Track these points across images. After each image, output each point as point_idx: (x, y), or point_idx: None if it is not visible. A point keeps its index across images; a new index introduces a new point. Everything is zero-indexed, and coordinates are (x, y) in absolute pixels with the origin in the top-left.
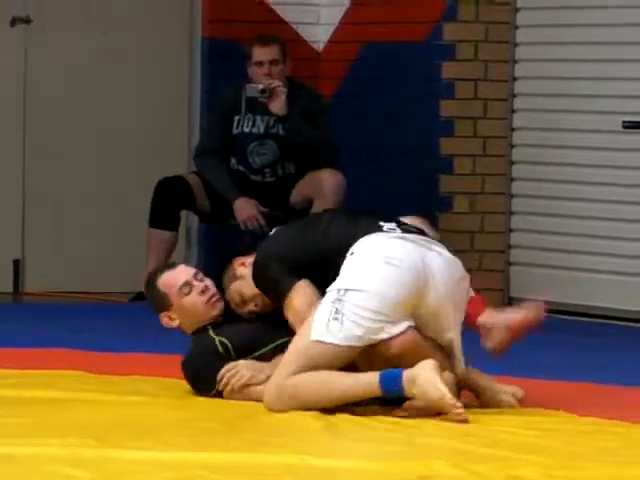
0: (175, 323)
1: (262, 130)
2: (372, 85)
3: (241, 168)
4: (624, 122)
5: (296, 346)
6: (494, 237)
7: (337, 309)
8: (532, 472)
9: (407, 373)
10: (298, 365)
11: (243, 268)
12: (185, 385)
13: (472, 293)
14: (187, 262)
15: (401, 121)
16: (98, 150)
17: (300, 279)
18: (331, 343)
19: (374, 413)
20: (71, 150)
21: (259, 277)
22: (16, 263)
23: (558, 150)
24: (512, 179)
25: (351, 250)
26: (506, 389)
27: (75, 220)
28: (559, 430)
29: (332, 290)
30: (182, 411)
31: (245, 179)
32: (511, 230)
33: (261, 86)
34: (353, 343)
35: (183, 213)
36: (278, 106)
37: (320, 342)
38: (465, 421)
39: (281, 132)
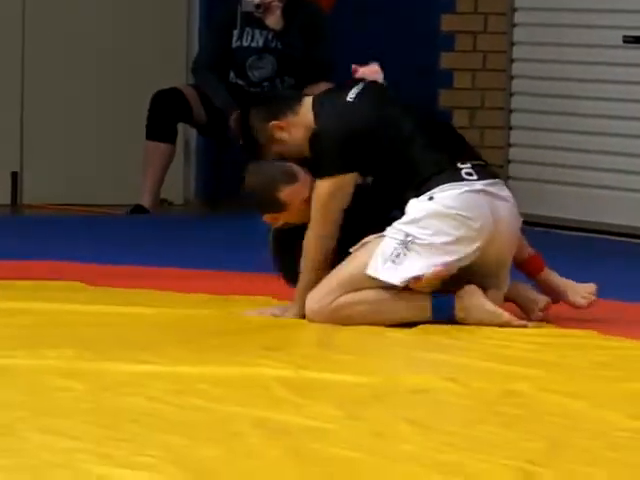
0: (280, 223)
1: (261, 44)
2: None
3: (240, 81)
4: (625, 37)
5: (347, 273)
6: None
7: (399, 254)
8: (527, 387)
9: (458, 300)
10: (345, 291)
11: (282, 132)
12: (185, 298)
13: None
14: (185, 175)
15: (402, 35)
16: (98, 66)
17: (351, 172)
18: (386, 281)
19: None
20: (70, 65)
21: (318, 141)
22: (14, 175)
23: (558, 65)
24: (511, 94)
25: (430, 194)
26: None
27: (74, 133)
28: (555, 344)
29: (400, 229)
30: (181, 324)
31: (244, 92)
32: (510, 145)
33: (257, 0)
34: (404, 284)
35: (181, 127)
36: (274, 20)
37: (374, 278)
38: (525, 326)
39: (280, 46)
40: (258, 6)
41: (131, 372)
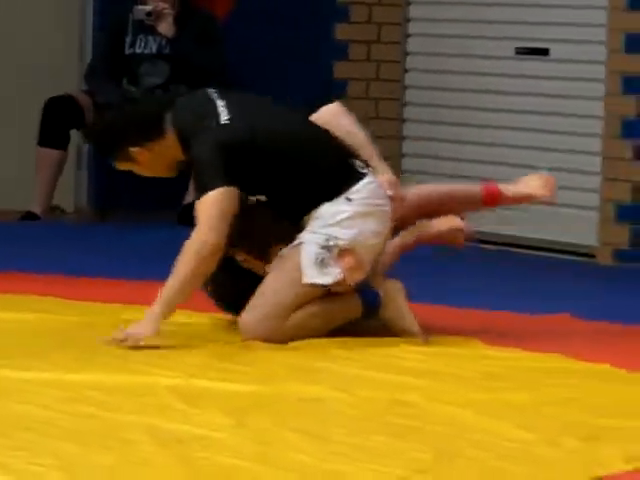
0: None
1: (154, 50)
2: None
3: (132, 88)
4: (517, 48)
5: (290, 294)
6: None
7: (324, 259)
8: (416, 397)
9: (385, 299)
10: (292, 307)
11: (141, 155)
12: (70, 304)
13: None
14: (77, 183)
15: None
16: None
17: (231, 184)
18: (322, 285)
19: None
20: None
21: (197, 153)
22: None
23: (449, 76)
24: (404, 104)
25: (348, 195)
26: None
27: None
28: (443, 354)
29: (322, 233)
30: (67, 331)
31: (135, 100)
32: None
33: (148, 8)
34: (337, 283)
35: (74, 134)
36: (166, 27)
37: (314, 285)
38: (427, 343)
39: (172, 53)
40: (149, 14)
41: (20, 379)
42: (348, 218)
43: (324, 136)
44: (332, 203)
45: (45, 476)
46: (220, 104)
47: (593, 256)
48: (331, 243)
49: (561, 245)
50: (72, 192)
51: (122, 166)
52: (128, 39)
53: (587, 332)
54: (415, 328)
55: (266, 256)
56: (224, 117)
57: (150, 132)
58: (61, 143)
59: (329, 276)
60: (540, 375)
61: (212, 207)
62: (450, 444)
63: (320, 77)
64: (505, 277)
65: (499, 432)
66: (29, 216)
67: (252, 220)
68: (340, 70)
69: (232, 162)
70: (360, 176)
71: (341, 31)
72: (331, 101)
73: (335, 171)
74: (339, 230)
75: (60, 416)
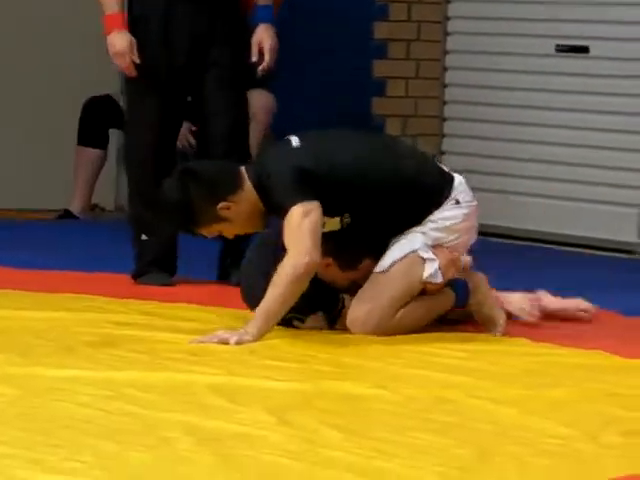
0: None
1: None
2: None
3: None
4: (557, 46)
5: (395, 282)
6: None
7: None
8: (458, 394)
9: (474, 291)
10: (401, 301)
11: (228, 212)
12: (111, 302)
13: None
14: (118, 181)
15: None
16: (32, 72)
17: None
18: (437, 282)
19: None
20: (4, 70)
21: (269, 184)
22: None
23: (488, 74)
24: (444, 102)
25: (456, 197)
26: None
27: (5, 137)
28: (485, 351)
29: (430, 236)
30: (107, 328)
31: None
32: (443, 153)
33: None
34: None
35: (115, 134)
36: None
37: (427, 282)
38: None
39: None
40: None
41: (60, 377)
42: (457, 223)
43: (416, 152)
44: (442, 208)
45: (83, 473)
46: (293, 137)
47: (631, 252)
48: (436, 244)
49: (600, 242)
50: (113, 191)
51: (211, 232)
52: None
53: (628, 328)
54: (502, 318)
55: (353, 268)
56: (295, 143)
57: (232, 184)
58: (100, 142)
59: (431, 271)
60: (580, 371)
61: (300, 226)
62: (491, 441)
63: (359, 76)
64: (547, 273)
65: (540, 429)
66: (67, 215)
67: (347, 233)
68: (379, 69)
69: (308, 182)
70: (452, 177)
71: (380, 29)
72: (369, 101)
73: (434, 182)
74: (447, 236)
75: (99, 414)
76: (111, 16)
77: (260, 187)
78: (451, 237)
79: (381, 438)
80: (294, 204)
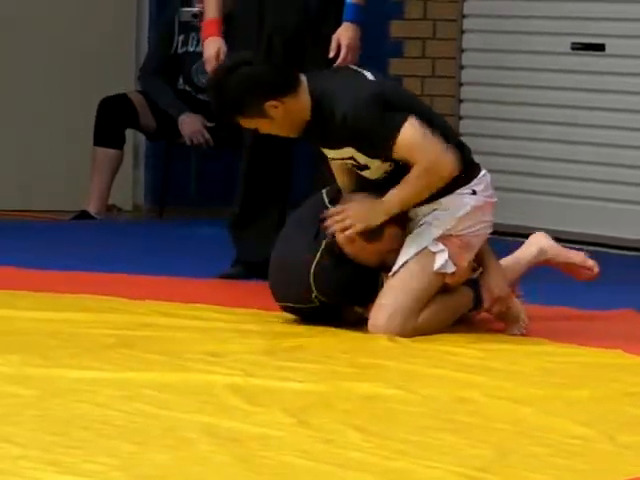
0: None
1: None
2: None
3: (187, 88)
4: (573, 44)
5: (419, 289)
6: None
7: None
8: (477, 394)
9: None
10: (423, 300)
11: (275, 111)
12: (129, 304)
13: None
14: (134, 181)
15: None
16: (46, 72)
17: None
18: (446, 272)
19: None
20: (19, 71)
21: (358, 119)
22: None
23: (504, 72)
24: (461, 100)
25: (474, 187)
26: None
27: (21, 139)
28: (503, 351)
29: (445, 227)
30: (123, 329)
31: (192, 98)
32: None
33: (195, 10)
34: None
35: (130, 133)
36: None
37: (441, 273)
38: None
39: None
40: (195, 15)
41: (77, 378)
42: (469, 212)
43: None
44: (458, 195)
45: (101, 475)
46: (365, 71)
47: None
48: (448, 234)
49: (610, 240)
50: (130, 191)
51: (247, 123)
52: (181, 38)
53: None
54: (523, 318)
55: (379, 237)
56: (370, 76)
57: (289, 85)
58: (116, 143)
59: (442, 262)
60: (600, 371)
61: (425, 136)
62: (510, 441)
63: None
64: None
65: (559, 428)
66: (83, 216)
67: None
68: (395, 67)
69: (391, 106)
70: (479, 167)
71: (396, 28)
72: None
73: (470, 161)
74: (460, 224)
75: (117, 415)
76: (207, 23)
77: (319, 103)
78: (460, 227)
79: (400, 438)
80: (401, 127)
